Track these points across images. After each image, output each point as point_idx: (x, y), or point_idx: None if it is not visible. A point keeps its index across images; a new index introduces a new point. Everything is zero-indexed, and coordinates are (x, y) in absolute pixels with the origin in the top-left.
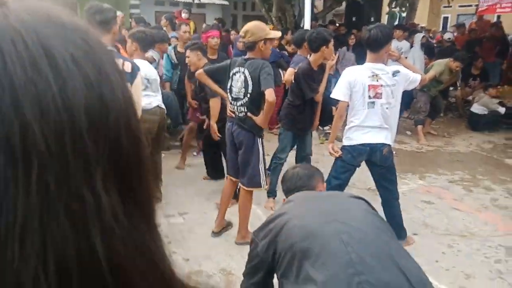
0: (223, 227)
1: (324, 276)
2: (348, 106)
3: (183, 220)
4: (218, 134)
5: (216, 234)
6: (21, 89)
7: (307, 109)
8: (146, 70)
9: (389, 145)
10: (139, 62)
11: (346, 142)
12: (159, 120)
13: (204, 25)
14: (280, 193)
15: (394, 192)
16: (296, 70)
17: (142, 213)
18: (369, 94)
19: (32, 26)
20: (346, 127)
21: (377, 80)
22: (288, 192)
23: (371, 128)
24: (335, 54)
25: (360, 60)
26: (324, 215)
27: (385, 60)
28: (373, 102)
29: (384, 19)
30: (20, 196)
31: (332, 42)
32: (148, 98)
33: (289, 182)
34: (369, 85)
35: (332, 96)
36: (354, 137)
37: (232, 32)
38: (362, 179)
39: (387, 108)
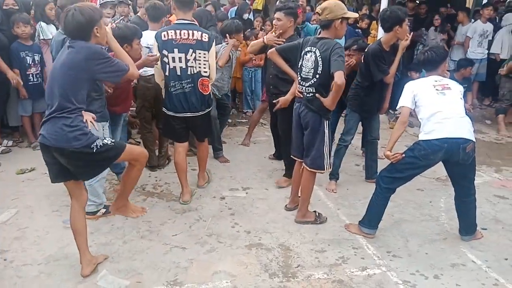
0: (296, 204)
1: None
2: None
3: (246, 194)
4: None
5: (289, 209)
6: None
7: (375, 91)
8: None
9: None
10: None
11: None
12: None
13: (277, 2)
14: (342, 176)
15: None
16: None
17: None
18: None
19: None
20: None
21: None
22: None
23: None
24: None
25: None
26: None
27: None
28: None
29: None
30: None
31: (406, 22)
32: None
33: None
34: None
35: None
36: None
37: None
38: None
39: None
